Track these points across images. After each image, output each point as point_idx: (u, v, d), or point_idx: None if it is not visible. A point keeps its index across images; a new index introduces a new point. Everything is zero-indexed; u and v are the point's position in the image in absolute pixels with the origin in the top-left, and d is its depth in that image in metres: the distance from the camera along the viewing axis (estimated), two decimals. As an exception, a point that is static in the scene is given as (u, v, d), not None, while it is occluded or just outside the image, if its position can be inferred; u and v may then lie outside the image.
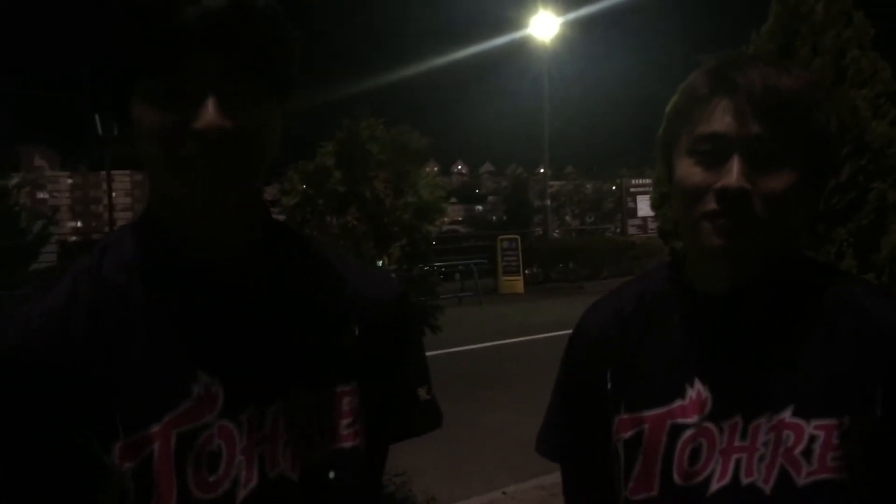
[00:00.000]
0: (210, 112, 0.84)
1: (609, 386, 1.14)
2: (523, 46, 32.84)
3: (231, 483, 0.88)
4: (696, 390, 1.05)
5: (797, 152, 1.02)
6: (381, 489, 1.13)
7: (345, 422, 0.96)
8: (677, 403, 1.06)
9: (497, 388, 8.10)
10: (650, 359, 1.11)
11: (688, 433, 1.05)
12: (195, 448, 0.87)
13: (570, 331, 1.26)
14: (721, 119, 1.01)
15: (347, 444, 0.96)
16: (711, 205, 1.01)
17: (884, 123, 3.92)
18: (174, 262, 0.93)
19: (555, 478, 1.32)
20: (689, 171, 1.04)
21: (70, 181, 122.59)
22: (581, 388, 1.18)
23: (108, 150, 28.17)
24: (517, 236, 21.60)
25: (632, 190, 28.10)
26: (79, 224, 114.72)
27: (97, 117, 26.24)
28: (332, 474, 0.95)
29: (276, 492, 0.91)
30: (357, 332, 1.01)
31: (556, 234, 31.95)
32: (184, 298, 0.92)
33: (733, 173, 0.99)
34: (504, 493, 5.02)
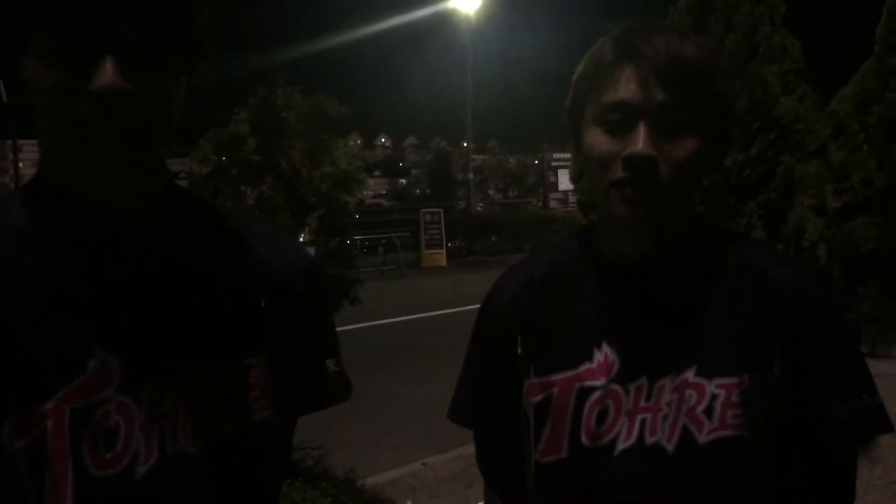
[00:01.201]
0: (108, 72, 0.80)
1: (520, 351, 1.14)
2: (447, 19, 32.70)
3: (130, 460, 0.85)
4: (604, 353, 1.07)
5: (701, 119, 1.03)
6: (290, 462, 1.11)
7: (252, 394, 0.94)
8: (585, 367, 1.07)
9: (419, 361, 8.13)
10: (560, 324, 1.12)
11: (595, 395, 1.06)
12: (91, 425, 0.83)
13: (490, 303, 1.26)
14: (626, 87, 1.01)
15: (255, 418, 0.94)
16: (619, 173, 1.01)
17: (792, 99, 4.05)
18: (69, 231, 0.88)
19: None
20: (597, 139, 1.04)
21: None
22: (492, 354, 1.19)
23: (14, 119, 26.92)
24: (440, 210, 21.66)
25: (553, 164, 28.44)
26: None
27: (1, 83, 25.02)
28: (238, 449, 0.92)
29: (178, 468, 0.87)
30: (264, 304, 0.98)
31: (479, 208, 32.13)
32: (80, 269, 0.87)
33: (639, 141, 0.99)
34: (424, 464, 5.05)
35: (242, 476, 0.93)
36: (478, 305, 1.24)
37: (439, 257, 20.34)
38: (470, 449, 1.28)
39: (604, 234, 1.13)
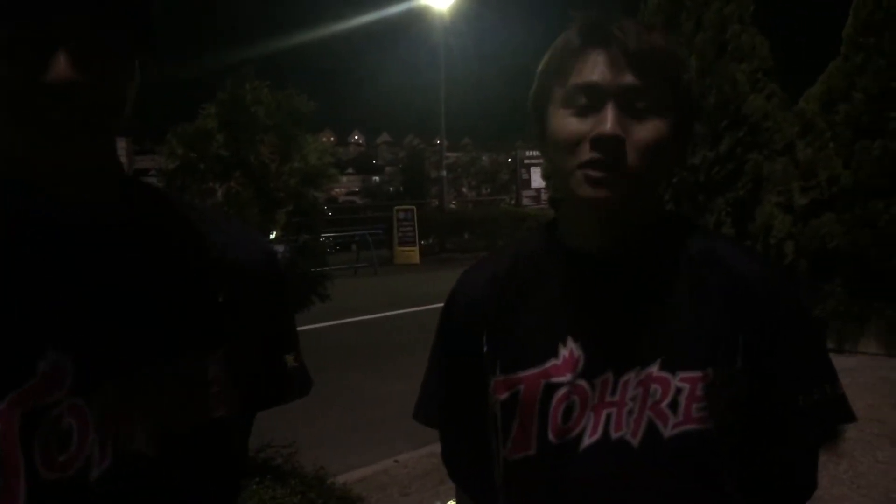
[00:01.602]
0: (61, 65, 0.78)
1: (485, 349, 1.13)
2: (421, 15, 32.66)
3: (84, 462, 0.83)
4: (569, 349, 1.06)
5: (667, 104, 1.03)
6: (247, 458, 1.10)
7: (210, 391, 0.92)
8: (551, 363, 1.06)
9: (391, 358, 8.10)
10: (525, 320, 1.11)
11: (561, 391, 1.05)
12: (43, 428, 0.81)
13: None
14: (594, 69, 1.02)
15: (213, 415, 0.92)
16: (586, 154, 1.01)
17: (761, 97, 4.09)
18: (18, 225, 0.85)
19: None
20: (564, 122, 1.04)
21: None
22: (457, 352, 1.18)
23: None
24: (413, 207, 21.63)
25: (526, 161, 28.50)
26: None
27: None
28: (195, 447, 0.90)
29: (133, 469, 0.85)
30: (222, 298, 0.96)
31: (452, 206, 32.14)
32: (29, 265, 0.84)
33: (608, 122, 1.00)
34: (396, 461, 5.04)
35: (200, 475, 0.92)
36: (451, 303, 1.22)
37: (412, 254, 20.33)
38: (441, 446, 1.27)
39: (567, 223, 1.13)
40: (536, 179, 26.60)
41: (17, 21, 0.78)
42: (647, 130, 1.02)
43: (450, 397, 1.20)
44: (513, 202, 30.80)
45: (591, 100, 1.02)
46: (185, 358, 0.91)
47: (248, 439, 1.05)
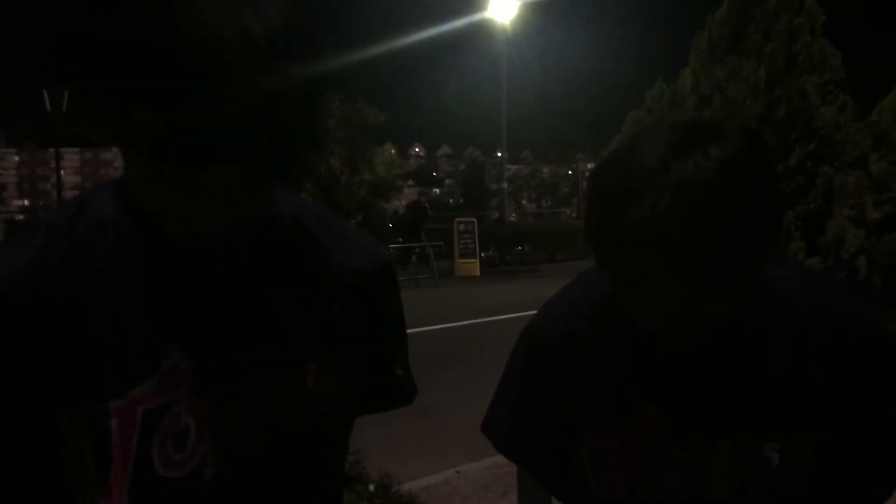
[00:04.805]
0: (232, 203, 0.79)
1: (570, 402, 1.13)
2: (482, 28, 32.78)
3: (200, 460, 0.86)
4: (655, 411, 1.06)
5: (735, 258, 0.87)
6: (345, 462, 1.13)
7: (317, 396, 0.94)
8: (637, 426, 1.07)
9: (452, 369, 8.13)
10: (606, 378, 1.10)
11: (647, 453, 1.06)
12: (161, 426, 0.84)
13: (525, 313, 1.26)
14: (643, 256, 0.86)
15: (318, 420, 0.95)
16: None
17: (832, 109, 4.00)
18: (150, 230, 0.87)
19: (508, 456, 1.34)
20: (622, 293, 0.95)
21: (17, 158, 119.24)
22: (539, 392, 1.17)
23: (57, 127, 27.46)
24: (474, 219, 21.64)
25: (587, 174, 28.23)
26: (26, 202, 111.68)
27: (45, 93, 25.55)
28: (301, 450, 0.93)
29: (242, 469, 0.89)
30: (337, 309, 0.98)
31: (512, 218, 32.07)
32: (158, 268, 0.87)
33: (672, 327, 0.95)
34: (457, 472, 5.05)
35: (306, 477, 0.94)
36: (511, 315, 1.24)
37: (473, 267, 20.32)
38: (504, 458, 1.28)
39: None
40: (598, 192, 26.31)
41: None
42: (721, 302, 0.91)
43: (525, 430, 1.21)
44: (574, 215, 30.57)
45: (648, 284, 0.91)
46: (294, 364, 0.93)
47: (348, 442, 1.08)
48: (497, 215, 30.44)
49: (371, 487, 3.38)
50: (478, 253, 20.66)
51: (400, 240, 19.11)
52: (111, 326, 0.84)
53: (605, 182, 0.90)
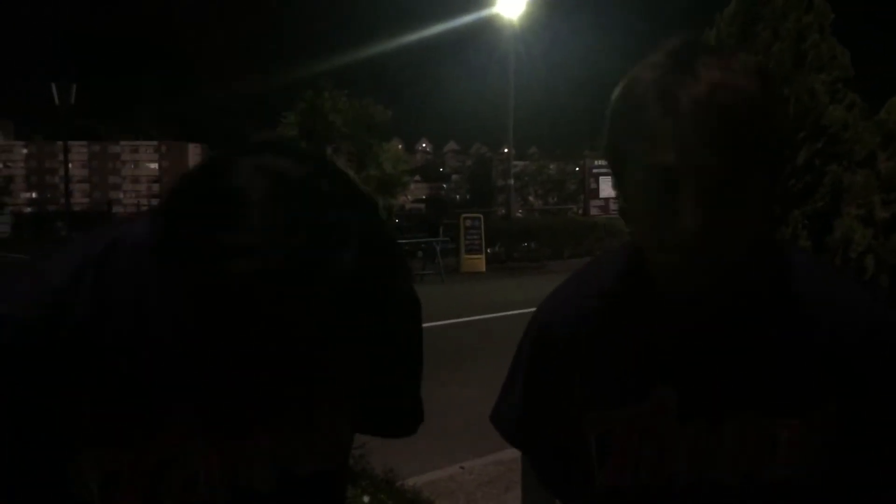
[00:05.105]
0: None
1: (577, 384, 1.13)
2: (490, 24, 32.73)
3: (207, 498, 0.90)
4: (662, 391, 1.05)
5: (756, 169, 0.92)
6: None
7: (331, 440, 1.00)
8: (644, 405, 1.06)
9: (457, 366, 8.14)
10: (617, 359, 1.10)
11: (654, 432, 1.06)
12: (166, 478, 0.87)
13: (530, 309, 1.24)
14: (667, 149, 0.91)
15: (331, 462, 1.00)
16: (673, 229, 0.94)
17: (840, 108, 3.99)
18: None
19: (513, 453, 1.35)
20: (643, 196, 0.97)
21: (25, 151, 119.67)
22: (547, 379, 1.17)
23: (65, 121, 27.51)
24: (480, 215, 21.64)
25: (594, 171, 28.23)
26: (34, 195, 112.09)
27: (54, 87, 25.56)
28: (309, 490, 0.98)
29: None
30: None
31: (519, 214, 32.06)
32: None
33: (687, 214, 0.91)
34: (462, 467, 5.06)
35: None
36: (516, 311, 1.25)
37: (479, 262, 20.33)
38: (507, 454, 1.30)
39: (656, 259, 1.02)
40: (605, 189, 26.36)
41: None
42: (735, 211, 0.92)
43: (531, 418, 1.21)
44: (580, 211, 30.55)
45: (668, 181, 0.94)
46: (305, 409, 0.95)
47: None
48: (503, 211, 30.47)
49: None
50: (484, 249, 20.67)
51: (421, 235, 19.16)
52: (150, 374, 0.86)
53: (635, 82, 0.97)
